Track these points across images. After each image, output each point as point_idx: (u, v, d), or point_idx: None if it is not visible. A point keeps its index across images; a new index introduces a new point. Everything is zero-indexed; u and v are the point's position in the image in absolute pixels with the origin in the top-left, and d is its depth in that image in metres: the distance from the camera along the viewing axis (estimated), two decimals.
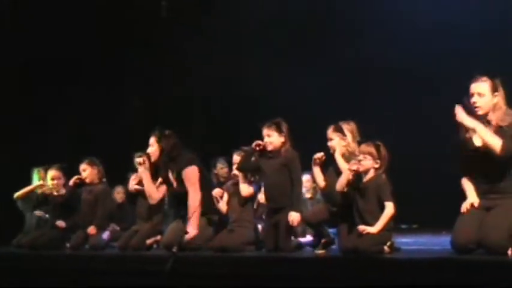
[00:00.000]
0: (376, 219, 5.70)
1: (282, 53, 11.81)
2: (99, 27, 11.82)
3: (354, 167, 5.87)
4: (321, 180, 6.44)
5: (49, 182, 8.55)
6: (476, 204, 5.49)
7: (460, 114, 5.37)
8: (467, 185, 5.62)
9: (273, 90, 11.62)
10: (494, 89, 5.45)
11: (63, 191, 8.46)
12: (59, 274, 6.90)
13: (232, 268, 5.97)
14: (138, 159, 7.50)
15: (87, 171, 8.20)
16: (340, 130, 6.38)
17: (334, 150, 6.35)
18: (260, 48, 12.00)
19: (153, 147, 7.30)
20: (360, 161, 5.85)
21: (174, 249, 6.21)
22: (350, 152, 6.29)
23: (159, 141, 7.22)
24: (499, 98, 5.46)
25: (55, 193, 8.49)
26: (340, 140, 6.35)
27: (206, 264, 6.21)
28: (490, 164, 5.41)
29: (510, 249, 5.20)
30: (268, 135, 6.50)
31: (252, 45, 12.12)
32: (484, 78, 5.48)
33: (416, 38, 11.08)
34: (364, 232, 5.64)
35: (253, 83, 11.82)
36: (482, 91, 5.45)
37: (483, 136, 5.33)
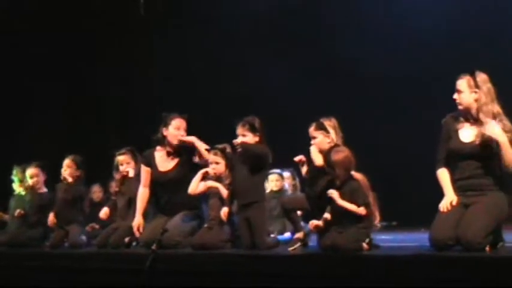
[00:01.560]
0: (353, 220, 5.73)
1: (260, 49, 11.81)
2: (78, 22, 11.81)
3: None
4: (319, 158, 6.32)
5: (28, 180, 8.49)
6: (454, 203, 5.52)
7: (493, 128, 5.37)
8: (444, 178, 5.64)
9: (251, 87, 11.63)
10: (473, 86, 5.52)
11: (43, 189, 8.41)
12: (38, 272, 6.87)
13: (212, 265, 5.97)
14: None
15: (71, 169, 8.16)
16: (322, 127, 6.37)
17: (318, 147, 6.35)
18: (238, 45, 12.03)
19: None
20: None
21: (154, 247, 6.19)
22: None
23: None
24: (481, 95, 5.50)
25: (37, 191, 8.42)
26: (324, 138, 6.34)
27: (185, 262, 6.22)
28: (472, 160, 5.47)
29: (488, 246, 5.25)
30: (243, 135, 6.51)
31: (229, 42, 12.14)
32: (463, 76, 5.57)
33: (395, 38, 11.13)
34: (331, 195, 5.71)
35: (229, 80, 11.87)
36: (460, 88, 5.57)
37: (507, 149, 5.34)
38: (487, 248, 5.23)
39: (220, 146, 6.80)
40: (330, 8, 11.66)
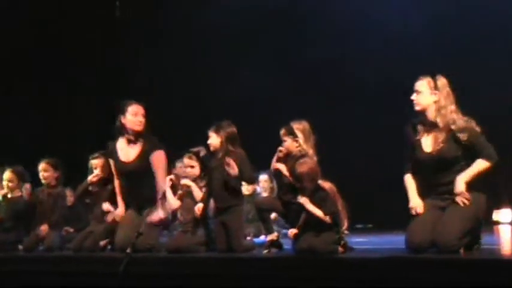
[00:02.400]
0: (325, 227, 5.75)
1: (233, 52, 11.83)
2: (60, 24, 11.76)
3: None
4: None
5: (5, 184, 8.39)
6: (419, 210, 5.54)
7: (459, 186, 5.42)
8: (410, 185, 5.71)
9: (225, 89, 11.65)
10: (433, 87, 5.56)
11: (18, 193, 8.34)
12: (11, 276, 6.82)
13: (187, 269, 5.96)
14: None
15: (48, 172, 8.11)
16: (291, 132, 6.43)
17: (290, 151, 6.42)
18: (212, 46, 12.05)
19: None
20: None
21: (128, 250, 6.16)
22: (302, 153, 6.33)
23: None
24: (440, 97, 5.54)
25: (10, 195, 8.33)
26: (293, 142, 6.41)
27: (160, 265, 6.20)
28: (441, 168, 5.50)
29: (462, 248, 5.27)
30: (210, 136, 6.57)
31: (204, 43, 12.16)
32: (423, 77, 5.62)
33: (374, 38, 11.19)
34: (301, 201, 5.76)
35: (203, 83, 11.88)
36: (419, 88, 5.60)
37: (471, 176, 5.39)
38: (461, 250, 5.25)
39: (194, 150, 6.78)
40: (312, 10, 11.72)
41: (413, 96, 5.62)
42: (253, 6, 11.76)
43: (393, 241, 6.87)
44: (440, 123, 5.51)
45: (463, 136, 5.43)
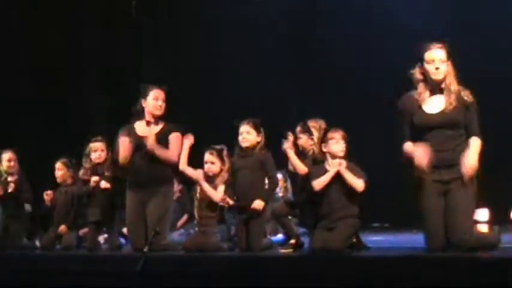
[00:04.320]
0: (343, 216, 5.81)
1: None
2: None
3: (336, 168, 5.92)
4: (301, 166, 6.45)
5: (4, 164, 8.41)
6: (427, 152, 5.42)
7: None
8: (410, 146, 5.57)
9: (241, 89, 11.71)
10: (449, 55, 5.58)
11: (15, 176, 8.33)
12: (28, 274, 6.85)
13: (204, 268, 5.96)
14: None
15: (61, 171, 8.14)
16: (307, 130, 6.45)
17: (304, 148, 6.44)
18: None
19: None
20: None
21: (145, 249, 6.17)
22: (317, 151, 6.34)
23: None
24: (451, 64, 5.59)
25: (9, 178, 8.33)
26: (308, 140, 6.43)
27: (177, 264, 6.21)
28: (442, 130, 5.47)
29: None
30: (248, 132, 6.53)
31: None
32: (440, 45, 5.59)
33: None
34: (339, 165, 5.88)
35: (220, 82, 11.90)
36: (443, 57, 5.56)
37: (477, 155, 5.39)
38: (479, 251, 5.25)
39: (217, 147, 6.77)
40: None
41: (437, 64, 5.53)
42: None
43: (410, 240, 6.86)
44: (452, 88, 5.52)
45: (469, 107, 5.47)
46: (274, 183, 6.63)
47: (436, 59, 5.55)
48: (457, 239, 5.26)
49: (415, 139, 5.57)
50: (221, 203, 6.59)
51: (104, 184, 7.46)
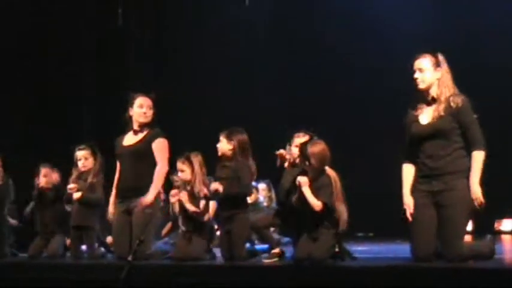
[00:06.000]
0: (325, 226, 5.80)
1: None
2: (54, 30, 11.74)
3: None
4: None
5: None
6: (410, 210, 5.51)
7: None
8: (406, 176, 5.64)
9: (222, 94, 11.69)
10: (436, 64, 5.57)
11: None
12: (12, 283, 6.80)
13: (188, 277, 5.94)
14: None
15: (46, 177, 8.07)
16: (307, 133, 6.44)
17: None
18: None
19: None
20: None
21: (130, 258, 6.14)
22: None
23: None
24: (443, 73, 5.56)
25: None
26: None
27: (161, 273, 6.18)
28: (432, 140, 5.47)
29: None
30: (220, 141, 6.57)
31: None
32: (425, 55, 5.61)
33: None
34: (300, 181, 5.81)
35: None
36: (423, 66, 5.57)
37: (479, 174, 5.38)
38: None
39: (187, 154, 6.80)
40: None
41: (417, 75, 5.58)
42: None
43: (394, 250, 6.87)
44: (442, 98, 5.51)
45: (459, 113, 5.43)
46: (244, 191, 6.57)
47: (416, 69, 5.59)
48: (449, 252, 5.25)
49: (414, 151, 5.59)
50: (214, 192, 6.54)
51: (75, 195, 7.43)
